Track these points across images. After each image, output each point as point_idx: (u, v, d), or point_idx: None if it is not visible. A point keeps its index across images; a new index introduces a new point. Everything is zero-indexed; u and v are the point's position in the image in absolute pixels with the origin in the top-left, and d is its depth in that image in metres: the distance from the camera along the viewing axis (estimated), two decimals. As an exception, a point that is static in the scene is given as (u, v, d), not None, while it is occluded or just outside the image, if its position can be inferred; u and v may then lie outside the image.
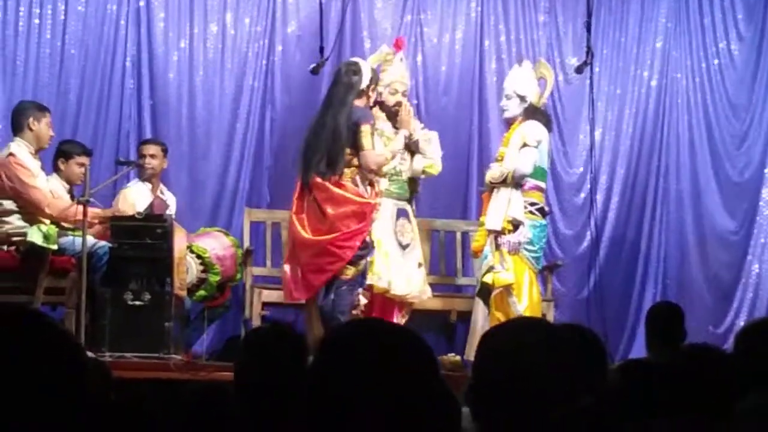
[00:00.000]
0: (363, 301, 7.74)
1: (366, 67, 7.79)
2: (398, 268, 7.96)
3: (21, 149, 7.66)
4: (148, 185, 8.46)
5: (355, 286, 7.63)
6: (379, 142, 7.87)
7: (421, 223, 8.79)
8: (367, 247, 7.62)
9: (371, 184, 7.68)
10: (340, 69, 7.84)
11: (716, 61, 10.05)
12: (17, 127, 7.75)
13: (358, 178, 7.56)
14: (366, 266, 7.68)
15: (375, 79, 7.80)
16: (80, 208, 7.34)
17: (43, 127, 7.74)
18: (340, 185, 7.49)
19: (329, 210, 7.47)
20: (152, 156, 8.46)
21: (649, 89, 9.96)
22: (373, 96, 7.81)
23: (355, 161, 7.52)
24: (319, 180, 7.50)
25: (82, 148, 8.06)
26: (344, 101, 7.57)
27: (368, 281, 7.74)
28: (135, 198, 8.32)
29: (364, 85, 7.65)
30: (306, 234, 7.53)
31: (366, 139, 7.47)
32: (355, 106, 7.59)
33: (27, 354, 1.68)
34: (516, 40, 9.79)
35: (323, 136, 7.53)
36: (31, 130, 7.71)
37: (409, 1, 9.68)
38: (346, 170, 7.52)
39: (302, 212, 7.59)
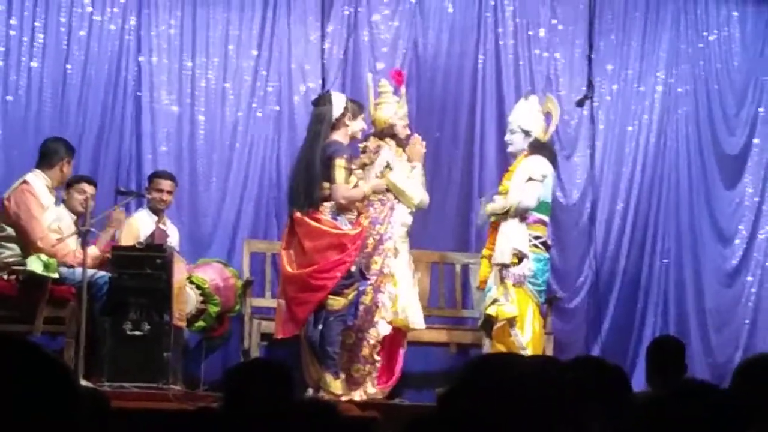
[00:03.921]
0: (384, 332, 7.78)
1: (338, 98, 7.82)
2: (415, 301, 8.01)
3: (37, 180, 7.72)
4: (154, 216, 8.46)
5: (345, 317, 7.65)
6: (402, 173, 7.93)
7: (420, 255, 8.80)
8: (353, 277, 7.65)
9: (359, 213, 7.73)
10: (314, 101, 7.93)
11: (713, 98, 10.06)
12: (46, 162, 7.79)
13: (337, 210, 7.63)
14: (357, 298, 7.72)
15: (354, 110, 7.81)
16: (71, 251, 7.37)
17: (70, 170, 7.87)
18: (316, 219, 7.56)
19: (307, 243, 7.57)
20: (169, 192, 8.48)
21: (650, 122, 9.96)
22: (352, 126, 7.80)
23: None
24: (298, 215, 7.60)
25: (82, 178, 8.10)
26: (316, 132, 7.66)
27: (394, 316, 7.78)
28: (139, 227, 8.33)
29: (335, 115, 7.68)
30: (291, 269, 7.62)
31: (338, 173, 7.55)
32: (332, 140, 7.63)
33: (17, 384, 1.67)
34: (515, 73, 9.80)
35: (300, 169, 7.63)
36: (61, 171, 7.79)
37: (407, 32, 9.70)
38: (326, 204, 7.58)
39: (290, 247, 7.68)
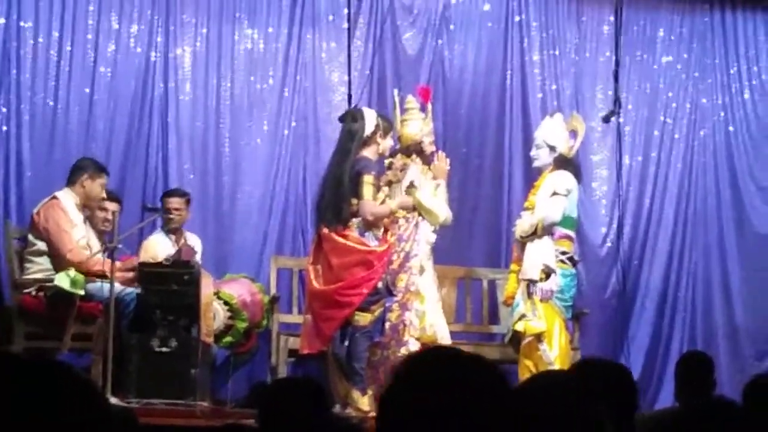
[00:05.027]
0: (415, 350, 7.75)
1: (370, 114, 7.80)
2: (441, 317, 7.99)
3: (67, 197, 7.79)
4: (172, 237, 8.47)
5: (372, 333, 7.63)
6: (427, 191, 7.92)
7: (447, 271, 8.79)
8: (379, 294, 7.62)
9: (386, 230, 7.72)
10: (344, 117, 7.90)
11: (741, 112, 10.03)
12: (70, 180, 7.88)
13: (365, 227, 7.62)
14: (383, 314, 7.69)
15: (385, 128, 7.80)
16: (100, 261, 7.41)
17: (95, 187, 7.90)
18: (343, 235, 7.55)
19: (334, 260, 7.55)
20: (176, 209, 8.47)
21: (675, 137, 9.94)
22: (382, 143, 7.79)
23: None
24: (325, 231, 7.58)
25: (109, 194, 8.14)
26: (346, 149, 7.63)
27: (422, 332, 7.76)
28: (155, 249, 8.31)
29: (367, 132, 7.66)
30: (317, 284, 7.60)
31: (366, 189, 7.53)
32: (360, 156, 7.62)
33: (48, 404, 1.67)
34: (541, 88, 9.80)
35: (329, 185, 7.61)
36: (83, 187, 7.84)
37: (433, 48, 9.72)
38: (354, 220, 7.57)
39: (317, 263, 7.66)
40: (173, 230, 8.48)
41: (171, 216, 8.43)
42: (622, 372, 3.46)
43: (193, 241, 8.60)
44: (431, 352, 2.15)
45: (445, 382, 1.95)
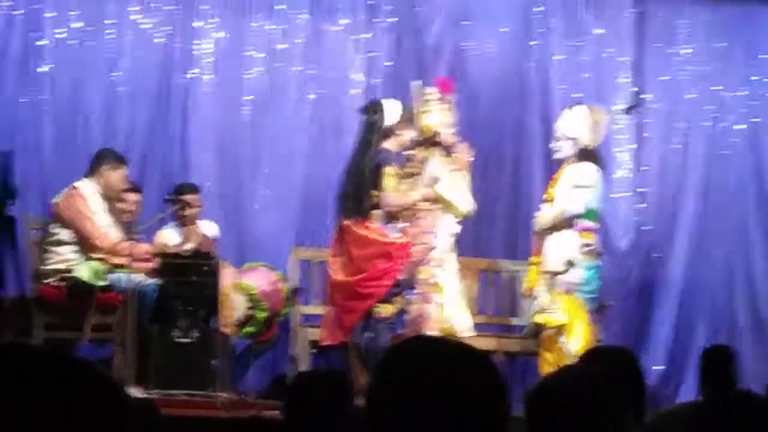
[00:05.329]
0: None
1: (390, 106, 7.78)
2: (461, 308, 7.96)
3: (87, 186, 7.79)
4: (179, 230, 8.41)
5: (395, 324, 7.63)
6: (448, 184, 7.90)
7: (468, 263, 8.76)
8: (401, 285, 7.61)
9: (407, 222, 7.70)
10: (365, 109, 7.88)
11: (764, 105, 9.97)
12: (91, 170, 7.88)
13: (386, 218, 7.61)
14: (407, 305, 7.69)
15: (406, 119, 7.78)
16: (129, 246, 7.41)
17: (115, 177, 7.87)
18: (365, 227, 7.54)
19: (355, 251, 7.55)
20: (189, 206, 8.42)
21: (697, 130, 9.89)
22: (403, 135, 7.77)
23: None
24: (347, 222, 7.58)
25: (130, 185, 8.13)
26: (367, 141, 7.62)
27: (441, 324, 7.74)
28: (168, 244, 8.28)
29: (388, 123, 7.65)
30: (339, 276, 7.60)
31: (387, 181, 7.54)
32: (382, 148, 7.61)
33: (67, 399, 1.66)
34: (562, 80, 9.76)
35: (350, 177, 7.61)
36: (102, 177, 7.85)
37: (453, 40, 9.68)
38: (375, 212, 7.56)
39: (339, 255, 7.65)
40: (186, 225, 8.44)
41: (186, 213, 8.40)
42: (630, 357, 3.51)
43: (210, 228, 8.56)
44: (414, 341, 2.16)
45: (431, 369, 1.96)
